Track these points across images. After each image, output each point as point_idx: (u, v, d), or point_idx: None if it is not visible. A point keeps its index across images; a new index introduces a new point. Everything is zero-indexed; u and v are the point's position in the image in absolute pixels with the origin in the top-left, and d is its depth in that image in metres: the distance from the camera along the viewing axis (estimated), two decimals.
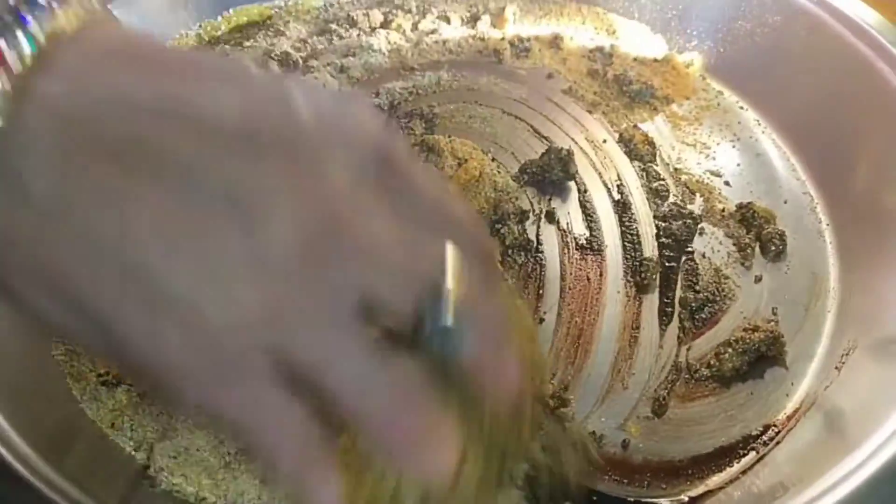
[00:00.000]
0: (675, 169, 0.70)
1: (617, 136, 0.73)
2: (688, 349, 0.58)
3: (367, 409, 0.28)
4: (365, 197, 0.28)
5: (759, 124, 0.76)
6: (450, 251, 0.29)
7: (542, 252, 0.63)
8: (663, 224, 0.66)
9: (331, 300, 0.27)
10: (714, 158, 0.72)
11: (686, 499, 0.49)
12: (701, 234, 0.65)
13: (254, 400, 0.27)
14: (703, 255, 0.64)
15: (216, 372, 0.26)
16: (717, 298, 0.61)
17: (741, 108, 0.76)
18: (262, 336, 0.26)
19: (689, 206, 0.67)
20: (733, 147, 0.73)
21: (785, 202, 0.68)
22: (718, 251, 0.64)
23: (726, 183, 0.69)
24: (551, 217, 0.65)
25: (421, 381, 0.28)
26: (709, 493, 0.50)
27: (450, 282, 0.28)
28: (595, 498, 0.49)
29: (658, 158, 0.71)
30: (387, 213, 0.28)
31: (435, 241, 0.29)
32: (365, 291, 0.27)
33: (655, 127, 0.74)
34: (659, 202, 0.67)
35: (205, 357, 0.26)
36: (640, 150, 0.71)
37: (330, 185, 0.27)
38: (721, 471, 0.51)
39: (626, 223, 0.66)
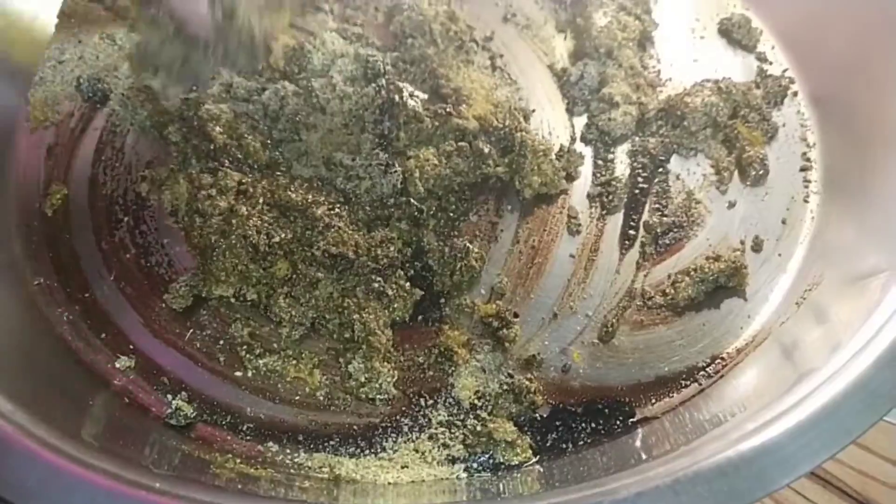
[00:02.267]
0: (668, 78, 0.66)
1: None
2: (645, 275, 0.56)
3: None
4: None
5: (762, 34, 0.70)
6: None
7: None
8: (640, 139, 0.62)
9: None
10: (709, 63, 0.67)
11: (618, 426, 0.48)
12: (679, 153, 0.62)
13: None
14: (678, 177, 0.61)
15: None
16: (685, 224, 0.58)
17: (747, 16, 0.70)
18: None
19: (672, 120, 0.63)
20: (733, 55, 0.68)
21: (775, 120, 0.63)
22: (694, 173, 0.61)
23: (719, 90, 0.64)
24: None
25: None
26: (643, 421, 0.49)
27: None
28: (533, 416, 0.49)
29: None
30: None
31: None
32: None
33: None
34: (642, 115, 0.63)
35: None
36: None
37: None
38: (660, 400, 0.50)
39: (602, 139, 0.62)
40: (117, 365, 0.50)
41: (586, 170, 0.61)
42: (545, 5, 0.72)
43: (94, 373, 0.49)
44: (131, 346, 0.51)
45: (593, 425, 0.49)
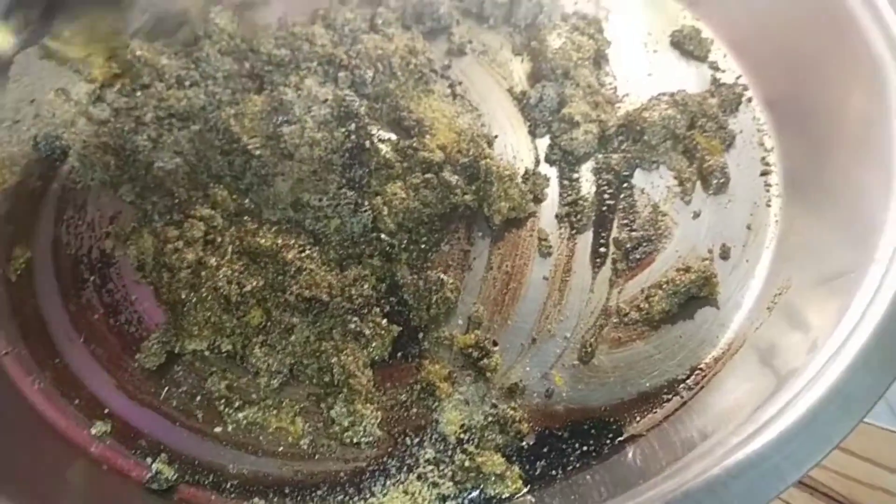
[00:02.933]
0: (625, 94, 0.67)
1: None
2: (619, 292, 0.56)
3: None
4: None
5: (713, 43, 0.71)
6: None
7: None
8: (602, 157, 0.63)
9: None
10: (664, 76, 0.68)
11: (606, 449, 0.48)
12: (641, 167, 0.63)
13: None
14: (643, 191, 0.61)
15: None
16: (654, 237, 0.58)
17: (697, 27, 0.72)
18: None
19: (632, 135, 0.63)
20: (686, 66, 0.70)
21: (732, 127, 0.64)
22: (658, 186, 0.62)
23: (675, 103, 0.65)
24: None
25: None
26: (630, 439, 0.49)
27: None
28: (520, 445, 0.49)
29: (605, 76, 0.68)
30: None
31: None
32: None
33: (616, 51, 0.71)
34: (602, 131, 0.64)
35: None
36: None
37: None
38: (644, 417, 0.50)
39: (566, 159, 0.63)
40: (93, 431, 0.49)
41: (553, 191, 0.61)
42: (500, 30, 0.73)
43: (70, 441, 0.48)
44: (106, 411, 0.50)
45: (582, 448, 0.48)
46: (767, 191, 0.61)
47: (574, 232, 0.59)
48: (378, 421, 0.49)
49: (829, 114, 0.60)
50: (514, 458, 0.48)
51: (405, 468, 0.48)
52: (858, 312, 0.43)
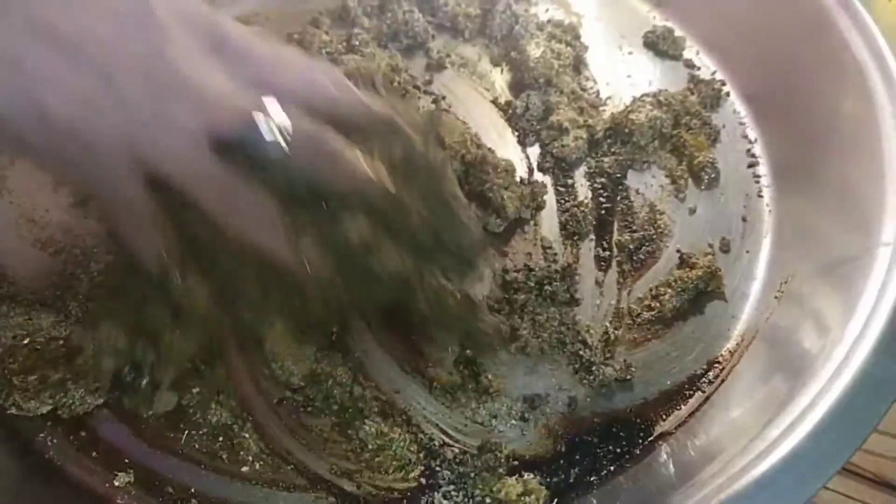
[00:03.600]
0: (608, 97, 0.68)
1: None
2: (629, 293, 0.57)
3: (228, 219, 0.41)
4: (199, 58, 0.38)
5: (686, 41, 0.73)
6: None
7: None
8: (594, 161, 0.64)
9: (176, 128, 0.37)
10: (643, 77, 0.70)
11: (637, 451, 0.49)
12: (633, 168, 0.64)
13: (123, 191, 0.40)
14: (637, 191, 0.62)
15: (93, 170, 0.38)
16: (654, 236, 0.59)
17: (668, 27, 0.73)
18: (126, 148, 0.37)
19: (621, 137, 0.64)
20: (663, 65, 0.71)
21: (715, 123, 0.66)
22: (652, 185, 0.63)
23: (659, 103, 0.66)
24: None
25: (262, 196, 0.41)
26: (661, 437, 0.49)
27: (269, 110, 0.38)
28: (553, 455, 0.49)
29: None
30: (217, 71, 0.39)
31: (255, 90, 0.39)
32: (206, 123, 0.38)
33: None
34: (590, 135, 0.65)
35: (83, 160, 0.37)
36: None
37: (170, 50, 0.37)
38: (669, 415, 0.51)
39: (559, 166, 0.64)
40: (116, 483, 0.47)
41: (550, 199, 0.62)
42: (477, 42, 0.73)
43: (94, 495, 0.46)
44: (126, 461, 0.48)
45: (615, 450, 0.49)
46: (757, 182, 0.63)
47: (576, 238, 0.59)
48: (407, 444, 0.49)
49: (806, 102, 0.62)
50: (545, 470, 0.48)
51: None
52: (872, 298, 0.45)
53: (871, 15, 0.60)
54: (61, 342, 0.51)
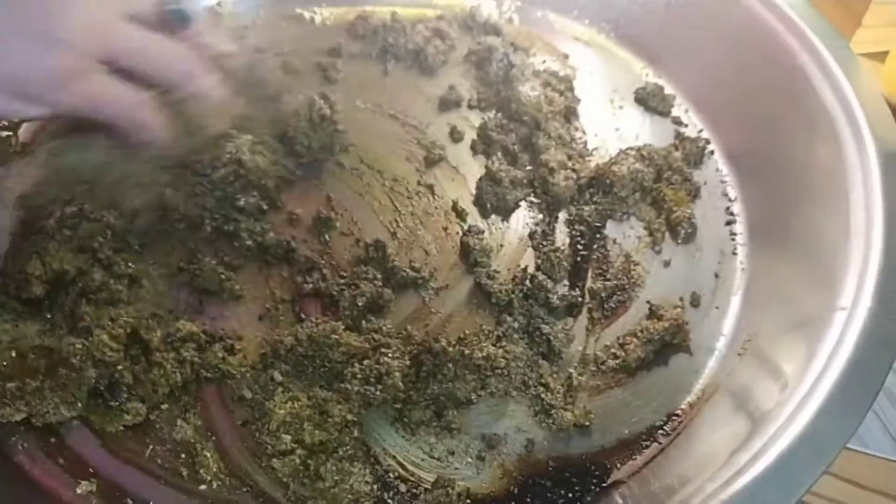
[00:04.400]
0: (595, 148, 0.70)
1: None
2: (596, 340, 0.58)
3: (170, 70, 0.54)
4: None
5: (675, 99, 0.75)
6: None
7: None
8: (575, 209, 0.65)
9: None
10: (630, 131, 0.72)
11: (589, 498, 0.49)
12: (613, 218, 0.65)
13: (101, 86, 0.52)
14: (615, 241, 0.64)
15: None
16: (627, 286, 0.61)
17: (659, 84, 0.76)
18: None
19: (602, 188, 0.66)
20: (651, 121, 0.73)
21: (697, 179, 0.68)
22: (629, 236, 0.64)
23: (642, 157, 0.68)
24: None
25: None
26: (614, 485, 0.50)
27: None
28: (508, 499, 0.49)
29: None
30: None
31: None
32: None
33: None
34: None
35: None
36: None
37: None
38: (624, 464, 0.51)
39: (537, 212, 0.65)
40: (78, 490, 0.48)
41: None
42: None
43: (58, 501, 0.47)
44: (91, 470, 0.49)
45: (567, 495, 0.49)
46: (733, 239, 0.64)
47: (551, 282, 0.60)
48: (365, 478, 0.49)
49: (786, 165, 0.64)
50: None
51: None
52: (824, 358, 0.45)
53: (854, 82, 0.61)
54: (44, 351, 0.53)
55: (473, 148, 0.70)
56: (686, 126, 0.73)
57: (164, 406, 0.52)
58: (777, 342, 0.54)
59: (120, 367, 0.51)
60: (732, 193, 0.67)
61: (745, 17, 0.71)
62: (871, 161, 0.55)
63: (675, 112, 0.74)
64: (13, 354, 0.52)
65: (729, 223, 0.65)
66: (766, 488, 0.39)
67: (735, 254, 0.63)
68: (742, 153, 0.69)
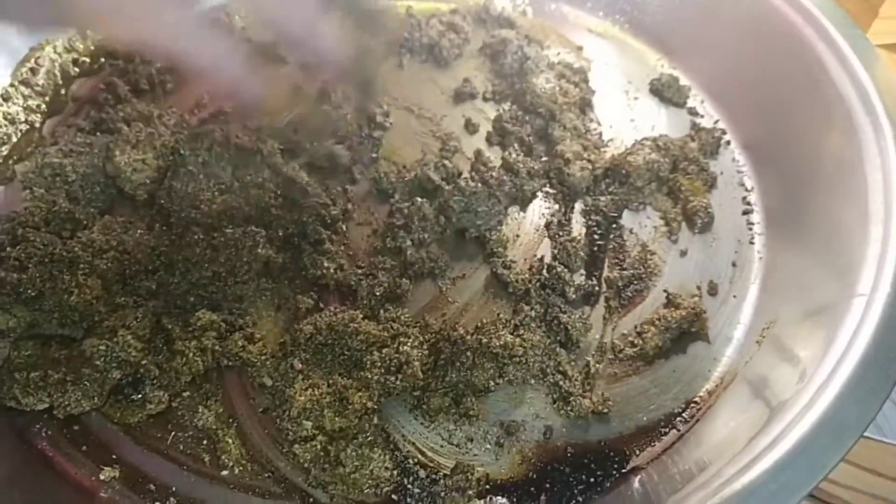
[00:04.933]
0: (610, 139, 0.70)
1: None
2: (613, 329, 0.58)
3: None
4: None
5: (691, 90, 0.75)
6: None
7: None
8: (591, 199, 0.65)
9: None
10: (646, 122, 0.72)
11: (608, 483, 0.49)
12: (629, 208, 0.65)
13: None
14: (631, 231, 0.64)
15: None
16: (643, 275, 0.61)
17: (674, 75, 0.76)
18: None
19: (618, 178, 0.66)
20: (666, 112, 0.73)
21: (713, 169, 0.68)
22: (645, 226, 0.64)
23: (658, 147, 0.68)
24: None
25: None
26: (633, 471, 0.50)
27: None
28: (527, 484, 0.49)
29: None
30: None
31: None
32: None
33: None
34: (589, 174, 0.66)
35: None
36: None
37: None
38: (643, 450, 0.51)
39: (553, 201, 0.65)
40: (101, 476, 0.49)
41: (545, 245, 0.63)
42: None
43: (80, 487, 0.48)
44: (114, 456, 0.50)
45: (587, 480, 0.49)
46: (750, 229, 0.64)
47: (568, 272, 0.61)
48: (385, 464, 0.50)
49: (801, 154, 0.64)
50: (515, 494, 0.49)
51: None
52: (843, 344, 0.45)
53: (872, 72, 0.61)
54: (65, 341, 0.53)
55: (489, 140, 0.70)
56: (702, 117, 0.73)
57: (186, 394, 0.53)
58: (795, 330, 0.54)
59: (144, 363, 0.51)
60: (749, 183, 0.67)
61: (760, 7, 0.71)
62: (889, 149, 0.55)
63: (690, 103, 0.74)
64: (36, 342, 0.53)
65: (746, 212, 0.65)
66: (786, 472, 0.40)
67: (752, 243, 0.63)
68: (758, 143, 0.69)
